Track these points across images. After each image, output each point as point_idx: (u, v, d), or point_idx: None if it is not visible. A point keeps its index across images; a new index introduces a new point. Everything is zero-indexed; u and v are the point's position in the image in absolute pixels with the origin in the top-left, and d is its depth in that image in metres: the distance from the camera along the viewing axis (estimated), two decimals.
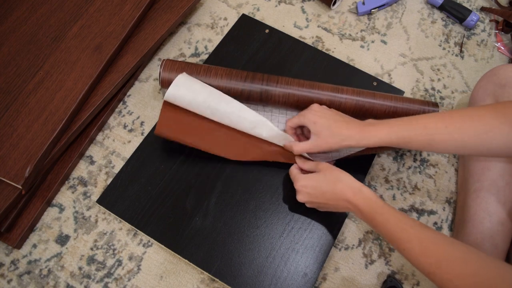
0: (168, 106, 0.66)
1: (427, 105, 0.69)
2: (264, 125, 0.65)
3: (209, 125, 0.66)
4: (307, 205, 0.61)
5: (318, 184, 0.58)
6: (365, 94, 0.68)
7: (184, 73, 0.66)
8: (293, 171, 0.63)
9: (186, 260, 0.62)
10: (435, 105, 0.69)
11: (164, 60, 0.68)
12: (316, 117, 0.60)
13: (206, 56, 0.80)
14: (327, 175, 0.58)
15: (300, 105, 0.67)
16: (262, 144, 0.67)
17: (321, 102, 0.66)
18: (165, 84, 0.67)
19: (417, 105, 0.69)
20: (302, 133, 0.68)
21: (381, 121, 0.57)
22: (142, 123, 0.74)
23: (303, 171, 0.63)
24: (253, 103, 0.69)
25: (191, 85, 0.64)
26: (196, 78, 0.66)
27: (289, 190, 0.66)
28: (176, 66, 0.67)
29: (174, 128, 0.65)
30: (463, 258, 0.45)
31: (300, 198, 0.60)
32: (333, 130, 0.58)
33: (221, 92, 0.65)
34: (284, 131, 0.67)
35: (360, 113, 0.68)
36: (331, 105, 0.67)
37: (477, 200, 0.62)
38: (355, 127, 0.58)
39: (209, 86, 0.65)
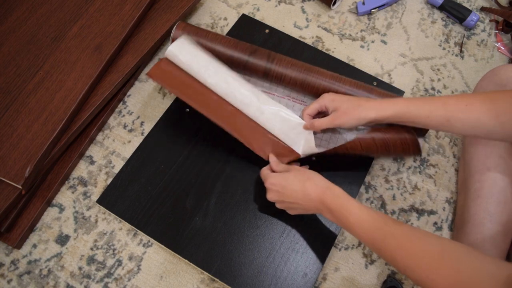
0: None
1: None
2: (256, 95, 0.65)
3: (203, 86, 0.66)
4: (277, 206, 0.60)
5: (288, 183, 0.57)
6: (362, 88, 0.67)
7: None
8: (264, 170, 0.62)
9: (186, 260, 0.62)
10: None
11: (179, 22, 0.70)
12: (333, 96, 0.62)
13: None
14: (297, 175, 0.58)
15: (298, 84, 0.68)
16: (245, 125, 0.66)
17: (319, 87, 0.67)
18: None
19: None
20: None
21: (399, 97, 0.59)
22: (142, 123, 0.74)
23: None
24: (253, 77, 0.69)
25: (197, 46, 0.67)
26: (203, 41, 0.69)
27: None
28: (189, 28, 0.70)
29: (168, 76, 0.66)
30: (439, 251, 0.44)
31: (270, 196, 0.59)
32: (353, 102, 0.59)
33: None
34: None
35: None
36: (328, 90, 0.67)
37: (478, 200, 0.62)
38: (373, 100, 0.59)
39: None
